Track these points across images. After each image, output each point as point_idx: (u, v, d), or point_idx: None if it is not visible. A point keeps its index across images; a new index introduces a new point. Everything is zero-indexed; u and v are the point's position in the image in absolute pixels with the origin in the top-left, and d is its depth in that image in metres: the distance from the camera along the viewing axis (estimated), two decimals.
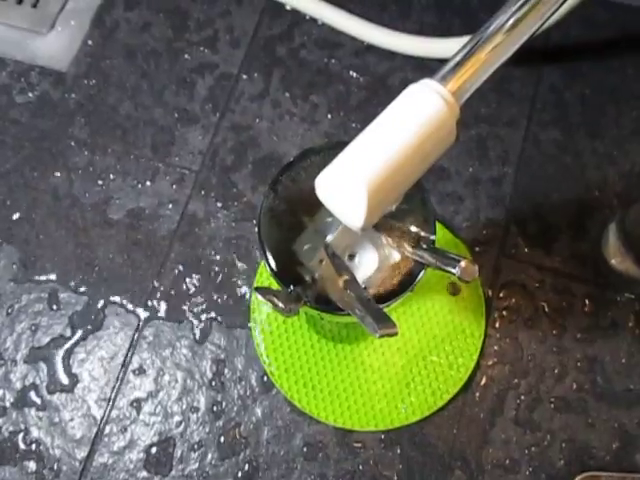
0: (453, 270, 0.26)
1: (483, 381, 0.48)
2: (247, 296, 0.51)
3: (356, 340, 0.49)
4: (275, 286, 0.52)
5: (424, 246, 0.30)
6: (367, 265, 0.34)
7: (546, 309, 0.49)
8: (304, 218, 0.34)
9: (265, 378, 0.49)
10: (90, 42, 0.59)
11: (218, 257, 0.52)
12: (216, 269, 0.52)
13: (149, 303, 0.51)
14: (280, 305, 0.28)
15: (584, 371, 0.48)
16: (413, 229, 0.31)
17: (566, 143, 0.53)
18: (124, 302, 0.51)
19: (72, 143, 0.56)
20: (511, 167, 0.53)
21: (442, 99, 0.23)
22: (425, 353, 0.49)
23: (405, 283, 0.33)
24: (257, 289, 0.27)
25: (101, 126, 0.56)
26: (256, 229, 0.34)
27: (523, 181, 0.53)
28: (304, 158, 0.34)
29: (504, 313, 0.50)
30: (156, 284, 0.52)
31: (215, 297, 0.51)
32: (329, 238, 0.33)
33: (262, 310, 0.50)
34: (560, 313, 0.49)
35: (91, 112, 0.56)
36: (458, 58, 0.24)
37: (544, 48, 0.56)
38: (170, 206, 0.54)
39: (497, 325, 0.49)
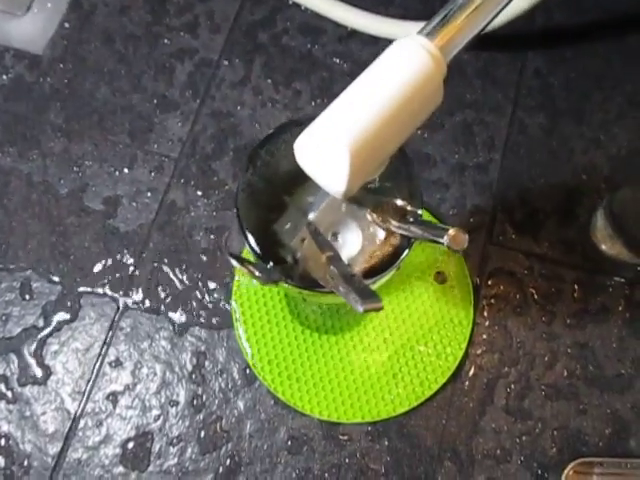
0: (442, 240, 0.25)
1: (472, 370, 0.47)
2: (229, 286, 0.49)
3: (341, 331, 0.48)
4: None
5: (411, 219, 0.29)
6: (351, 244, 0.32)
7: (535, 296, 0.48)
8: (284, 196, 0.32)
9: (247, 370, 0.47)
10: (67, 25, 0.57)
11: (198, 247, 0.50)
12: (196, 259, 0.50)
13: (127, 293, 0.49)
14: (257, 274, 0.26)
15: (575, 357, 0.47)
16: (399, 203, 0.30)
17: (552, 128, 0.53)
18: (100, 292, 0.49)
19: (47, 128, 0.54)
20: (497, 153, 0.52)
21: (428, 54, 0.22)
22: (412, 343, 0.48)
23: (391, 260, 0.32)
24: (231, 255, 0.25)
25: (77, 111, 0.54)
26: (235, 209, 0.32)
27: (509, 167, 0.52)
28: (284, 131, 0.32)
29: (492, 301, 0.49)
30: (134, 274, 0.50)
31: (195, 287, 0.49)
32: (311, 216, 0.32)
33: (245, 301, 0.48)
34: (549, 299, 0.48)
35: (67, 97, 0.55)
36: (445, 12, 0.23)
37: (528, 33, 0.55)
38: (149, 194, 0.52)
39: (486, 313, 0.48)
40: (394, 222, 0.29)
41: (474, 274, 0.49)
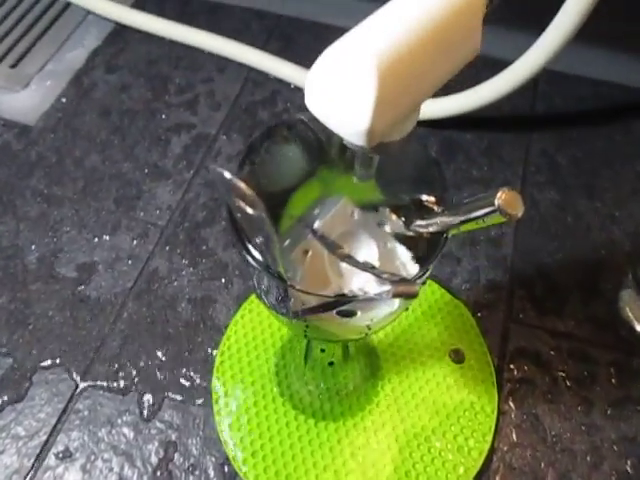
0: (491, 208, 0.20)
1: (500, 470, 0.38)
2: (210, 362, 0.42)
3: (342, 416, 0.40)
4: (264, 312, 0.44)
5: (440, 210, 0.24)
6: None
7: (566, 380, 0.42)
8: (283, 207, 0.27)
9: (226, 467, 0.38)
10: (64, 100, 0.56)
11: (178, 319, 0.44)
12: (174, 332, 0.44)
13: (89, 370, 0.42)
14: (248, 210, 0.19)
15: (623, 454, 0.39)
16: (423, 197, 0.25)
17: (565, 204, 0.50)
18: (58, 368, 0.42)
19: (27, 192, 0.50)
20: (509, 227, 0.49)
21: None
22: (427, 433, 0.40)
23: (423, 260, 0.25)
24: (210, 167, 0.19)
25: (62, 177, 0.51)
26: (229, 220, 0.27)
27: (524, 241, 0.48)
28: (274, 133, 0.28)
29: (518, 385, 0.42)
30: (101, 347, 0.43)
31: (171, 364, 0.42)
32: (317, 225, 0.27)
33: (228, 379, 0.41)
34: (583, 384, 0.42)
35: (53, 163, 0.52)
36: None
37: (530, 117, 0.55)
38: (129, 262, 0.47)
39: (511, 399, 0.41)
40: (421, 221, 0.24)
41: (494, 354, 0.43)
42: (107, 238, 0.48)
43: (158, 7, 0.63)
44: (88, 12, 0.63)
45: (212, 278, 0.46)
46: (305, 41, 0.59)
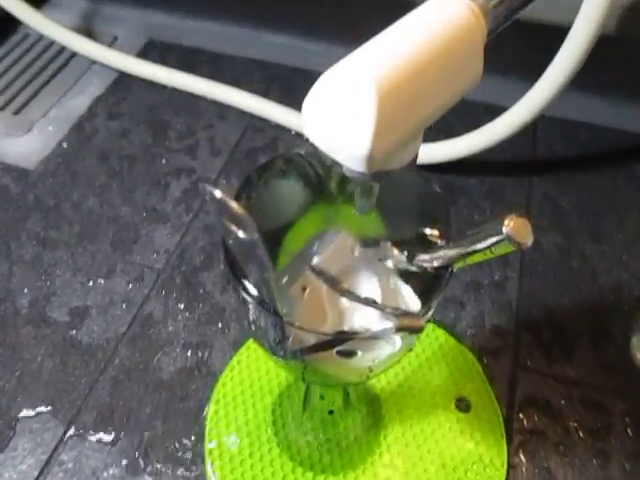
0: (499, 237, 0.19)
1: None
2: (203, 415, 0.40)
3: (342, 469, 0.38)
4: (262, 358, 0.42)
5: (442, 244, 0.23)
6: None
7: (579, 431, 0.39)
8: (280, 244, 0.27)
9: None
10: (65, 145, 0.56)
11: (172, 365, 0.42)
12: (167, 379, 0.42)
13: (76, 419, 0.40)
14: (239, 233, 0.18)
15: None
16: (427, 231, 0.24)
17: (569, 247, 0.49)
18: (43, 416, 0.40)
19: (22, 235, 0.49)
20: (514, 271, 0.48)
21: (468, 8, 0.19)
22: None
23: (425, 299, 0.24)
24: (200, 185, 0.18)
25: (58, 220, 0.50)
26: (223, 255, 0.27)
27: (529, 285, 0.47)
28: (271, 166, 0.28)
29: (528, 436, 0.39)
30: (89, 395, 0.41)
31: (162, 413, 0.40)
32: (315, 260, 0.26)
33: (222, 429, 0.39)
34: (598, 436, 0.39)
35: (51, 207, 0.51)
36: None
37: (531, 161, 0.55)
38: (123, 306, 0.46)
39: (522, 452, 0.39)
40: (425, 255, 0.23)
41: (502, 402, 0.41)
42: (101, 282, 0.47)
43: (161, 57, 0.64)
44: (93, 62, 0.64)
45: (208, 323, 0.45)
46: (306, 89, 0.59)
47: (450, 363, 0.42)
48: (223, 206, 0.17)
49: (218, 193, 0.17)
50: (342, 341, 0.22)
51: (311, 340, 0.21)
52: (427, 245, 0.23)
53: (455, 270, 0.23)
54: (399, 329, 0.19)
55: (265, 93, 0.60)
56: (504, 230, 0.19)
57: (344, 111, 0.18)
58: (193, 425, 0.40)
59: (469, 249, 0.21)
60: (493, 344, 0.44)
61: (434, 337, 0.43)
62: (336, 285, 0.23)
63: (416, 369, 0.41)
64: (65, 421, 0.40)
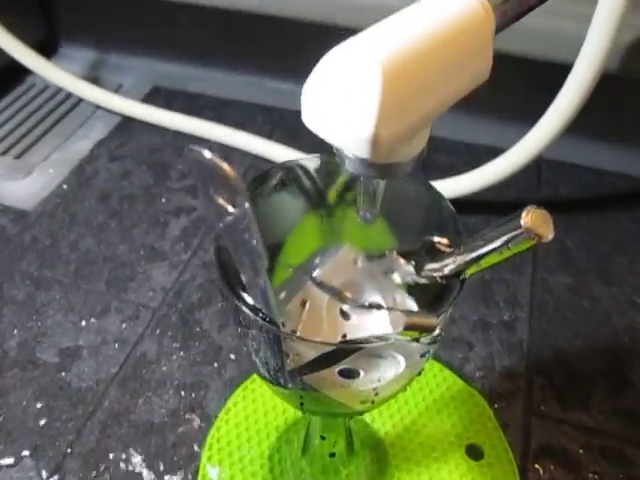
0: (518, 231, 0.18)
1: None
2: (196, 459, 0.37)
3: None
4: (259, 399, 0.39)
5: (452, 251, 0.22)
6: (371, 321, 0.24)
7: None
8: (276, 259, 0.25)
9: None
10: (65, 187, 0.56)
11: (164, 407, 0.40)
12: (159, 422, 0.39)
13: (58, 468, 0.37)
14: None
15: None
16: (434, 239, 0.23)
17: (580, 288, 0.47)
18: (25, 464, 0.37)
19: (16, 275, 0.48)
20: (522, 311, 0.46)
21: (479, 1, 0.19)
22: None
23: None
24: (187, 148, 0.16)
25: (54, 260, 0.49)
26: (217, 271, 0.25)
27: (539, 326, 0.45)
28: (269, 178, 0.27)
29: None
30: (75, 441, 0.38)
31: (152, 461, 0.37)
32: (316, 273, 0.24)
33: (215, 478, 0.36)
34: None
35: (47, 247, 0.50)
36: None
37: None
38: (115, 345, 0.44)
39: None
40: (434, 264, 0.21)
41: (516, 450, 0.38)
42: (94, 321, 0.45)
43: (166, 102, 0.65)
44: (97, 108, 0.65)
45: (204, 362, 0.43)
46: (310, 132, 0.60)
47: (459, 407, 0.39)
48: (212, 170, 0.16)
49: (207, 153, 0.16)
50: (344, 353, 0.20)
51: (311, 354, 0.19)
52: (435, 254, 0.22)
53: (467, 277, 0.21)
54: (408, 326, 0.17)
55: (269, 135, 0.60)
56: (522, 222, 0.18)
57: (348, 92, 0.17)
58: (185, 473, 0.37)
59: (484, 249, 0.19)
60: (504, 387, 0.41)
61: (441, 378, 0.41)
62: (339, 295, 0.21)
63: (423, 412, 0.39)
64: (48, 469, 0.37)
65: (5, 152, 0.60)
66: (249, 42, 0.65)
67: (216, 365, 0.42)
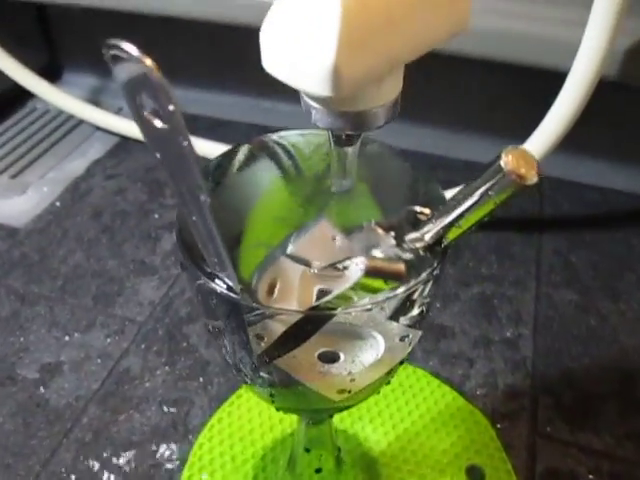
0: (498, 176, 0.16)
1: None
2: (177, 478, 0.35)
3: None
4: (245, 416, 0.37)
5: (432, 214, 0.20)
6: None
7: None
8: (247, 232, 0.23)
9: None
10: (58, 204, 0.55)
11: (146, 424, 0.38)
12: (139, 440, 0.37)
13: None
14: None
15: None
16: (416, 208, 0.21)
17: (586, 305, 0.45)
18: None
19: (1, 292, 0.47)
20: (526, 328, 0.43)
21: None
22: None
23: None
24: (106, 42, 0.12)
25: (41, 275, 0.48)
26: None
27: (544, 344, 0.42)
28: (244, 151, 0.25)
29: None
30: (49, 460, 0.36)
31: (130, 479, 0.35)
32: (289, 249, 0.22)
33: None
34: None
35: (35, 262, 0.49)
36: None
37: (539, 219, 0.53)
38: (98, 361, 0.42)
39: None
40: (415, 233, 0.19)
41: (520, 474, 0.35)
42: (78, 336, 0.43)
43: None
44: (96, 128, 0.65)
45: (190, 378, 0.41)
46: None
47: (459, 426, 0.37)
48: (139, 69, 0.12)
49: (134, 50, 0.12)
50: (313, 323, 0.18)
51: (279, 329, 0.18)
52: (417, 224, 0.20)
53: (451, 244, 0.20)
54: (371, 271, 0.15)
55: None
56: (502, 164, 0.16)
57: (306, 27, 0.16)
58: None
59: (463, 206, 0.18)
60: (507, 407, 0.39)
61: (440, 394, 0.38)
62: (311, 266, 0.19)
63: (420, 431, 0.36)
64: None
65: (1, 172, 0.59)
66: (245, 62, 0.65)
67: (202, 380, 0.40)
